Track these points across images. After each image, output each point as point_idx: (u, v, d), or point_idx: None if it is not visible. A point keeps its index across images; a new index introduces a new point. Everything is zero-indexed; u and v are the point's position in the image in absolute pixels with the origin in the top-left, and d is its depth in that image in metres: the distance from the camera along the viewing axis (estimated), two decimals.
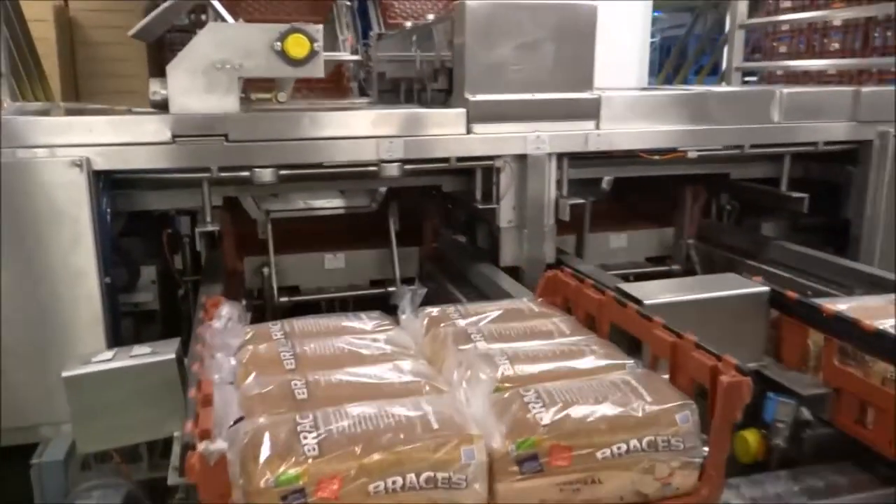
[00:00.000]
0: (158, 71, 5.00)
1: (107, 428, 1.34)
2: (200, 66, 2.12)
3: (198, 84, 2.12)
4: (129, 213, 2.36)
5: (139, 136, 2.07)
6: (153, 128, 2.08)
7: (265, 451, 1.00)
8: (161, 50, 4.57)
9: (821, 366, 1.54)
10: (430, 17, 2.74)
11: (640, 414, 1.12)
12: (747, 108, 2.60)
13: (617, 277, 2.38)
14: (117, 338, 2.12)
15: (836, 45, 6.74)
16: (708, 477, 1.15)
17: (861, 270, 2.44)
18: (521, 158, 2.38)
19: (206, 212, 2.23)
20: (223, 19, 2.42)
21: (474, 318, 1.49)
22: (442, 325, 1.45)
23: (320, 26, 2.22)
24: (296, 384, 1.16)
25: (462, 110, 2.30)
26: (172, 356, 1.38)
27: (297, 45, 2.16)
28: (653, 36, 14.69)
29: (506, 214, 2.44)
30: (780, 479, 1.44)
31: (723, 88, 2.90)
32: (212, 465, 0.94)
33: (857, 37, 6.49)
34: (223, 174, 2.18)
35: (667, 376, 1.27)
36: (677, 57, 7.39)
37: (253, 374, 1.22)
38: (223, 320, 1.36)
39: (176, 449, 1.26)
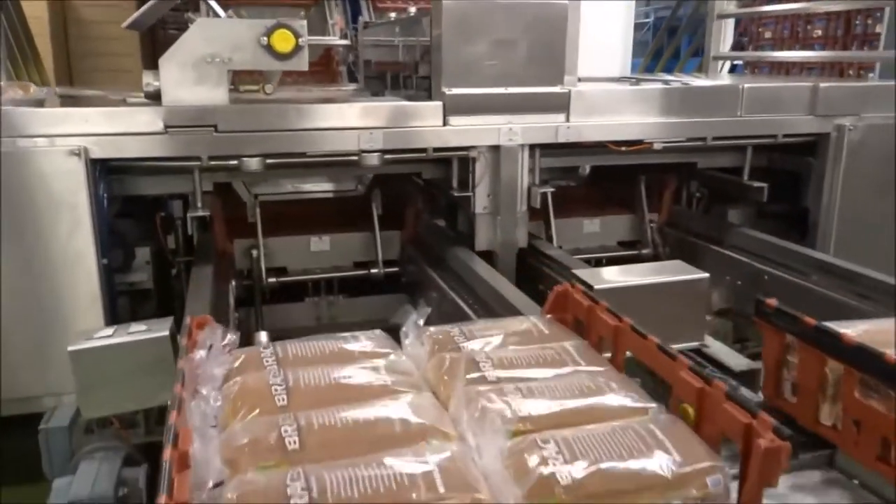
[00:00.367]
0: (150, 49, 5.06)
1: (107, 397, 1.50)
2: (191, 59, 2.24)
3: (188, 77, 2.25)
4: (124, 197, 2.50)
5: (133, 127, 2.20)
6: (146, 119, 2.21)
7: None
8: (153, 29, 4.62)
9: (839, 395, 1.37)
10: (413, 10, 2.86)
11: (668, 475, 1.02)
12: (710, 102, 2.75)
13: (582, 262, 2.54)
14: (114, 315, 2.27)
15: (819, 32, 6.87)
16: None
17: (813, 256, 2.60)
18: (495, 149, 2.52)
19: (198, 197, 2.37)
20: (216, 13, 2.54)
21: (480, 341, 1.37)
22: (447, 350, 1.34)
23: (304, 22, 2.34)
24: (286, 430, 1.05)
25: (439, 103, 2.44)
26: (166, 333, 1.53)
27: (283, 40, 2.29)
28: (647, 16, 14.59)
29: (481, 201, 2.59)
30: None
31: (689, 83, 3.03)
32: None
33: (839, 24, 6.62)
34: (213, 162, 2.31)
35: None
36: (663, 38, 7.49)
37: (240, 419, 1.10)
38: (206, 347, 1.24)
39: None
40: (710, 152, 2.98)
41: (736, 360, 1.70)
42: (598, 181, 3.07)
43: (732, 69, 7.11)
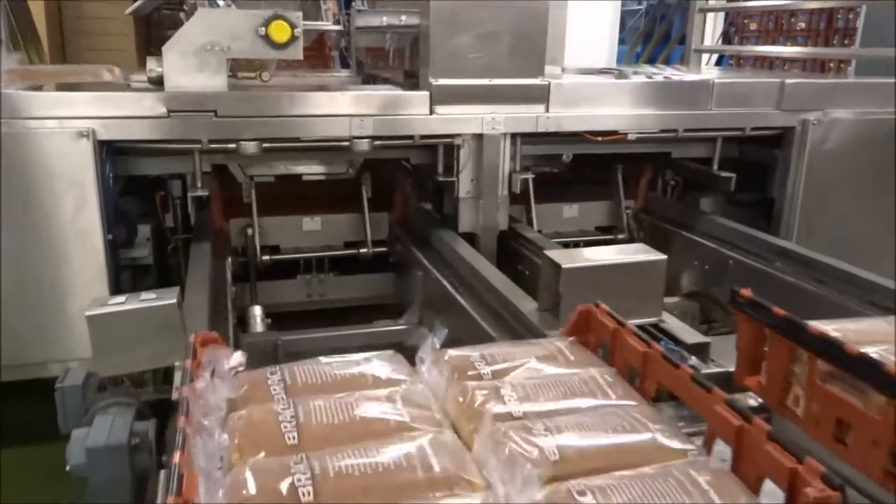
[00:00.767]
0: (144, 29, 5.11)
1: (120, 358, 1.66)
2: (192, 48, 2.38)
3: (189, 64, 2.38)
4: (126, 177, 2.64)
5: (138, 111, 2.34)
6: (150, 104, 2.35)
7: None
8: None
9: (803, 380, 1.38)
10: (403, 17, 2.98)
11: None
12: (682, 96, 2.91)
13: (559, 245, 2.71)
14: (118, 288, 2.43)
15: (803, 25, 7.04)
16: None
17: (775, 244, 2.78)
18: (479, 137, 2.68)
19: (197, 178, 2.52)
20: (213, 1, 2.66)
21: (503, 367, 1.29)
22: (467, 377, 1.26)
23: (300, 13, 2.48)
24: (300, 480, 0.95)
25: (426, 93, 2.59)
26: (174, 300, 1.69)
27: (280, 31, 2.43)
28: (639, 2, 14.68)
29: (464, 186, 2.75)
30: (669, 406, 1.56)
31: (669, 77, 3.19)
32: None
33: (821, 18, 6.80)
34: (213, 146, 2.46)
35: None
36: (650, 25, 7.65)
37: (247, 462, 1.01)
38: (209, 370, 1.17)
39: (176, 377, 1.57)
40: (684, 143, 3.15)
41: (688, 335, 1.88)
42: (577, 169, 3.24)
43: (719, 61, 7.28)
